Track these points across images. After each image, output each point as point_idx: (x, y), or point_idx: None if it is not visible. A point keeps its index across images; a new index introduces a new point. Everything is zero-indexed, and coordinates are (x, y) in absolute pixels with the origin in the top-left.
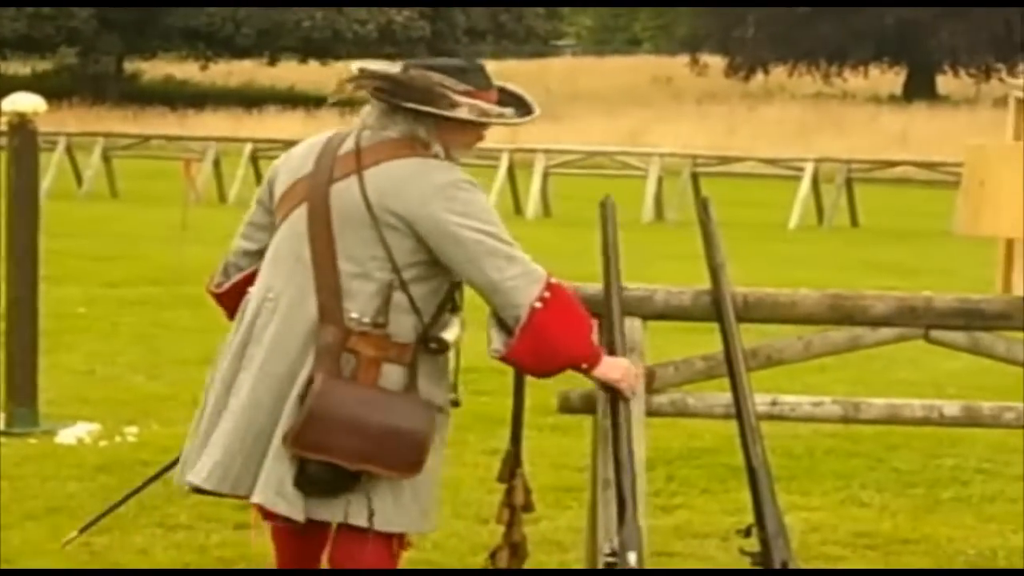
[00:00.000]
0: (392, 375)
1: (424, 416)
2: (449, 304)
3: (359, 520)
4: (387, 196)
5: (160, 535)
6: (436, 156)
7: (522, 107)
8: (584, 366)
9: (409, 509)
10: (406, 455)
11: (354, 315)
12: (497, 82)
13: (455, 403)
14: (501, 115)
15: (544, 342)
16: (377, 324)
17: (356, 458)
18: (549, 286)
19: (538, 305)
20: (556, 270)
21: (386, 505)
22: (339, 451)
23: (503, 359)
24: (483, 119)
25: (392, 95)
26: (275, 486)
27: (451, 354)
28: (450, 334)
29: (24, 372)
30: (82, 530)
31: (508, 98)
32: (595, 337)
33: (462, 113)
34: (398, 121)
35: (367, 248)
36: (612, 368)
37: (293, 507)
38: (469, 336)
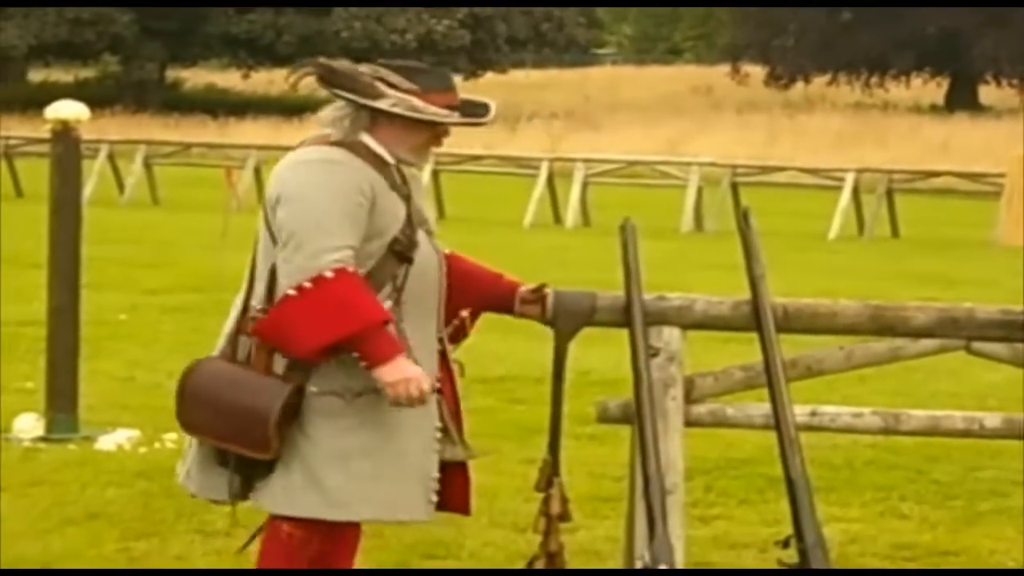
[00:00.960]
0: (281, 359)
1: (277, 395)
2: (378, 290)
3: (249, 502)
4: (269, 184)
5: (199, 541)
6: (339, 145)
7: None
8: (363, 364)
9: (302, 494)
10: (251, 433)
11: (253, 302)
12: (467, 95)
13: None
14: (436, 114)
15: (281, 327)
16: (265, 310)
17: (217, 436)
18: (317, 279)
19: (292, 292)
20: (595, 279)
21: (273, 489)
22: (205, 429)
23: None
24: (410, 114)
25: (323, 81)
26: (193, 470)
27: None
28: None
29: (65, 378)
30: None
31: (474, 108)
32: (384, 339)
33: (383, 104)
34: (330, 112)
35: (265, 236)
36: (390, 372)
37: (194, 486)
38: (507, 346)
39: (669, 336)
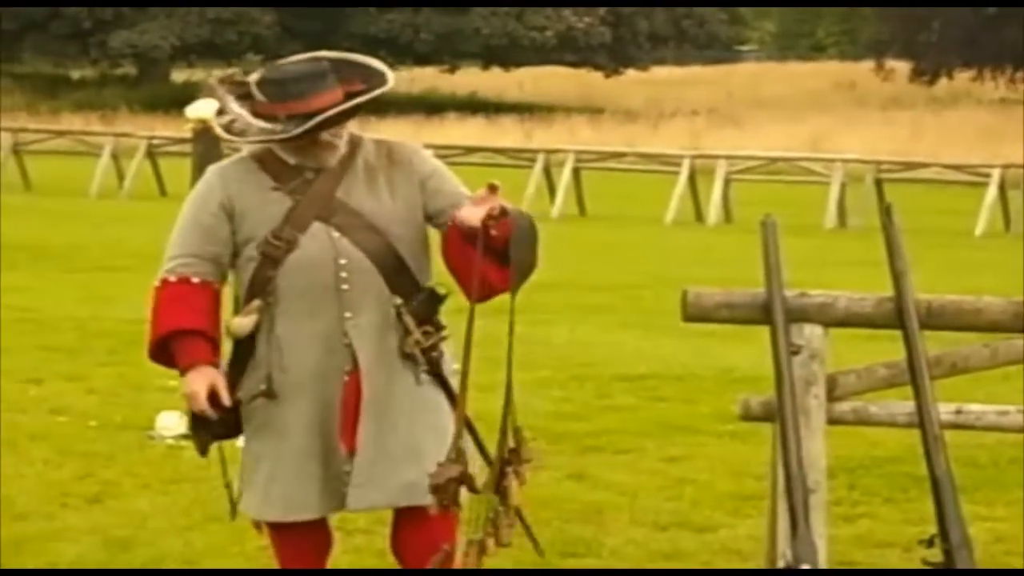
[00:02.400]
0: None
1: None
2: (257, 293)
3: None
4: None
5: (339, 539)
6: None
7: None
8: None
9: (246, 496)
10: None
11: None
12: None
13: (265, 393)
14: (245, 134)
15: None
16: None
17: None
18: (158, 285)
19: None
20: (737, 276)
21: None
22: None
23: None
24: (225, 136)
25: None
26: None
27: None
28: (237, 322)
29: None
30: None
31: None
32: (182, 349)
33: (217, 123)
34: None
35: None
36: (183, 383)
37: None
38: (648, 343)
39: (811, 333)
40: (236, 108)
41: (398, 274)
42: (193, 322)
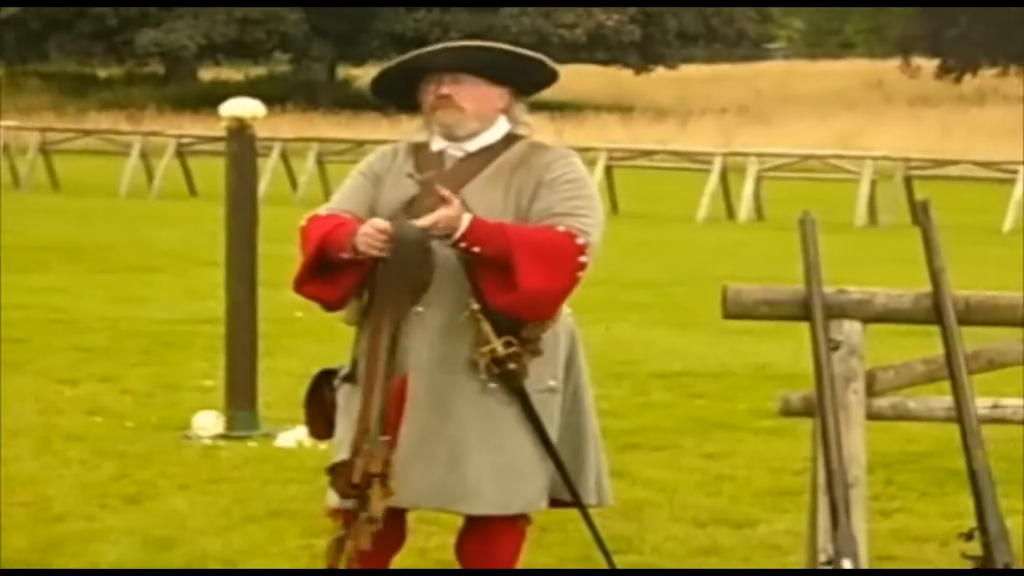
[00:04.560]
0: None
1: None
2: (368, 277)
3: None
4: None
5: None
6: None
7: None
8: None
9: None
10: None
11: None
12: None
13: (347, 378)
14: None
15: None
16: None
17: None
18: (307, 219)
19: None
20: (769, 274)
21: None
22: None
23: None
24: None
25: None
26: None
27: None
28: (350, 307)
29: (244, 376)
30: None
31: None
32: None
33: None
34: None
35: None
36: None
37: None
38: (684, 340)
39: (850, 329)
40: None
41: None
42: (344, 221)
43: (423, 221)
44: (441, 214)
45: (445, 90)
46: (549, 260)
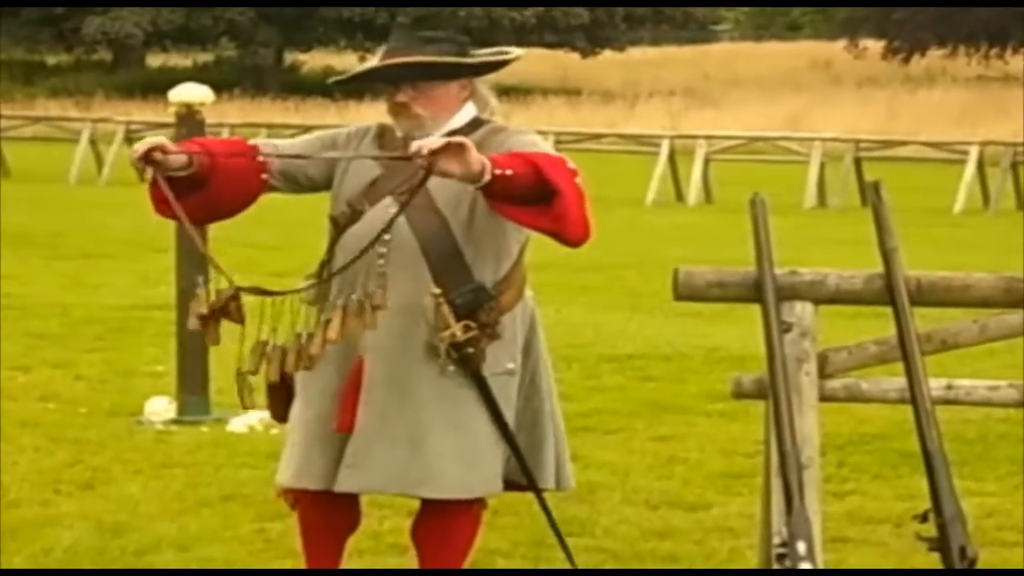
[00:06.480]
0: None
1: None
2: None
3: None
4: None
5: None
6: None
7: None
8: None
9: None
10: None
11: None
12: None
13: None
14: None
15: None
16: None
17: None
18: None
19: None
20: (719, 256)
21: None
22: None
23: None
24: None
25: None
26: None
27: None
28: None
29: (195, 361)
30: None
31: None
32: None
33: None
34: None
35: None
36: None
37: None
38: (635, 323)
39: (802, 311)
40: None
41: (447, 262)
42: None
43: (431, 142)
44: (451, 139)
45: (401, 97)
46: (559, 170)
